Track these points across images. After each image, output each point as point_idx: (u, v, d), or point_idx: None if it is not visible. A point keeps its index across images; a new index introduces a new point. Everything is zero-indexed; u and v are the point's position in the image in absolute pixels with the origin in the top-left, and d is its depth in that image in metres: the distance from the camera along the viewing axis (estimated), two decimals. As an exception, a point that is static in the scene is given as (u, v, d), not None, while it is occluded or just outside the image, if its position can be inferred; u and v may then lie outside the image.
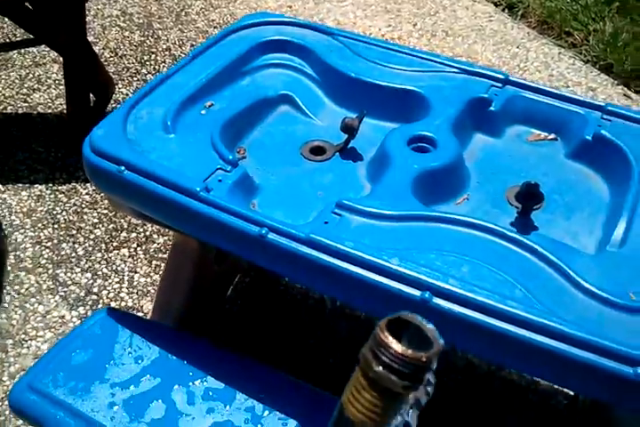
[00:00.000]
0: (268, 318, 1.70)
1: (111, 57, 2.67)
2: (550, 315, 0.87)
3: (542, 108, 1.29)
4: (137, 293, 1.75)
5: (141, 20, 2.88)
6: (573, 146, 1.23)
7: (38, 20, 1.99)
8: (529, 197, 1.07)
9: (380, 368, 0.43)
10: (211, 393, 1.10)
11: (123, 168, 1.10)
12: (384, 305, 0.97)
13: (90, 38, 2.15)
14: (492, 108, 1.28)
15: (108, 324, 1.22)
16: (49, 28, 2.02)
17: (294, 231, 0.99)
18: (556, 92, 1.29)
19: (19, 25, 2.08)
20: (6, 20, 2.53)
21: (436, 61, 1.36)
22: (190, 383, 1.12)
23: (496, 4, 3.16)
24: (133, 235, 1.93)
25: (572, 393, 1.59)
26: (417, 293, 0.92)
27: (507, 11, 3.12)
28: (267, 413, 1.08)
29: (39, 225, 1.96)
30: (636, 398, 0.86)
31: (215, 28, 2.87)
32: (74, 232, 1.94)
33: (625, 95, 2.58)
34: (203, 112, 1.24)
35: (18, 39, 2.61)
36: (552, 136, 1.28)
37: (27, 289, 1.78)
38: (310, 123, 1.31)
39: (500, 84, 1.31)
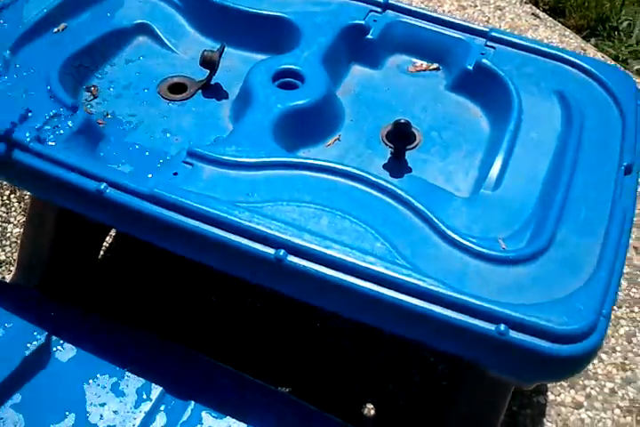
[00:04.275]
0: (148, 274, 1.60)
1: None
2: (411, 270, 0.80)
3: (425, 35, 1.18)
4: (10, 245, 1.61)
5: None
6: (455, 76, 1.13)
7: None
8: (400, 136, 0.98)
9: None
10: (71, 358, 1.01)
11: (-59, 117, 0.96)
12: (237, 264, 0.88)
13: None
14: (369, 36, 1.16)
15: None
16: None
17: (136, 186, 0.88)
18: (438, 17, 1.19)
19: None
20: None
21: (308, -16, 1.23)
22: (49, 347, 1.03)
23: None
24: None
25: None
26: (271, 251, 0.83)
27: None
28: (128, 375, 1.01)
29: None
30: (500, 357, 0.80)
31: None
32: (-59, 180, 1.77)
33: (533, 14, 2.49)
34: (44, 46, 1.09)
35: None
36: (434, 66, 1.18)
37: None
38: (171, 56, 1.17)
39: (379, 9, 1.20)
